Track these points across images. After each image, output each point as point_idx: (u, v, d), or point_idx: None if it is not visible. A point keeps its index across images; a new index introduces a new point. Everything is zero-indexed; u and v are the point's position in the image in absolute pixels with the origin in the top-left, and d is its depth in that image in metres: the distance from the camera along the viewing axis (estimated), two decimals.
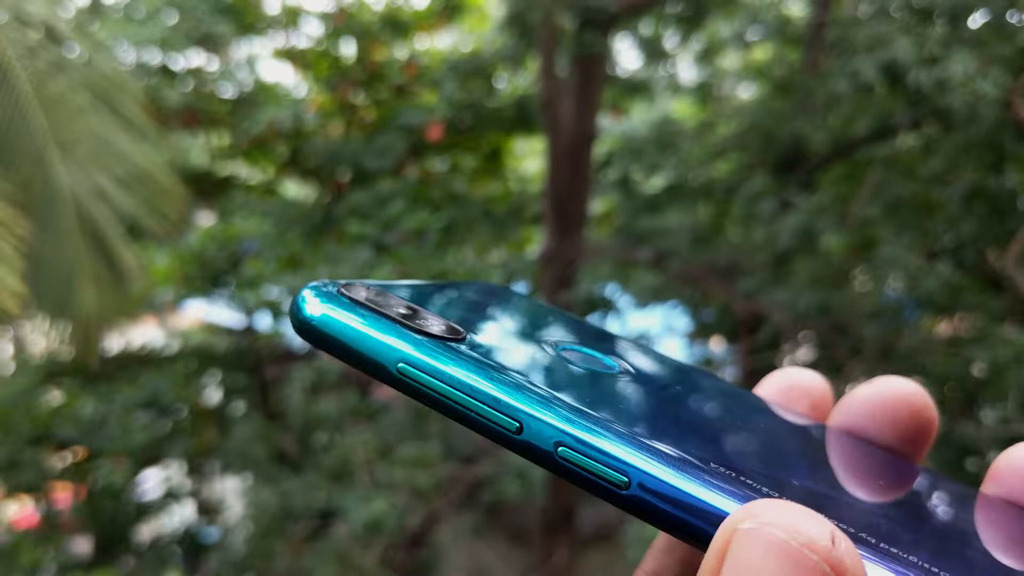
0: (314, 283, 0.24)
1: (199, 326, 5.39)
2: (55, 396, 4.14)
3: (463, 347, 0.23)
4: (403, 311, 0.24)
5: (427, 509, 3.40)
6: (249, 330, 4.49)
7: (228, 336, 4.81)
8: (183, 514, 4.45)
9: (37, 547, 3.59)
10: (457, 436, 3.64)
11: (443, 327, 0.24)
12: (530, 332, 0.31)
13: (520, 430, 0.21)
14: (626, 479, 0.20)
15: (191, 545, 4.25)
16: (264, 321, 4.28)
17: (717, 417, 0.30)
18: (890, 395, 0.29)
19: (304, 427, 3.46)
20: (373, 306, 0.24)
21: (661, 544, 0.30)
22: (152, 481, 4.34)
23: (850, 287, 3.29)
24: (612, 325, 3.82)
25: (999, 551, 0.23)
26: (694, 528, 0.20)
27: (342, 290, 0.24)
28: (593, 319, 3.78)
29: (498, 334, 0.29)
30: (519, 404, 0.22)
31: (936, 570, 0.19)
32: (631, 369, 0.30)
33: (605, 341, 0.33)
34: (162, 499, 4.22)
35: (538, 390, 0.22)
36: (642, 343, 0.35)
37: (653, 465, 0.20)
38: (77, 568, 3.68)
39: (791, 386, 0.32)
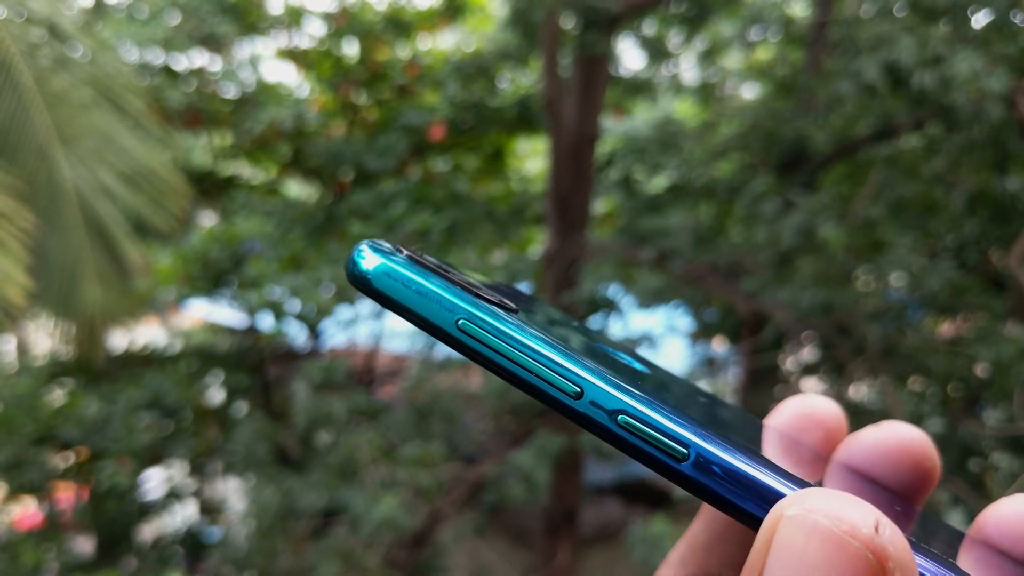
0: (369, 240, 0.25)
1: (201, 326, 5.40)
2: (58, 396, 4.15)
3: (519, 317, 0.24)
4: (459, 277, 0.24)
5: (430, 509, 3.39)
6: (251, 330, 4.50)
7: (230, 336, 4.81)
8: (185, 514, 4.45)
9: (39, 547, 3.59)
10: (460, 436, 3.64)
11: (496, 298, 0.24)
12: (569, 326, 0.32)
13: (580, 395, 0.22)
14: (685, 451, 0.21)
15: (193, 545, 4.25)
16: (266, 321, 4.28)
17: (745, 426, 0.31)
18: (894, 442, 0.30)
19: (308, 426, 3.46)
20: (431, 267, 0.24)
21: (676, 557, 0.31)
22: (154, 481, 4.35)
23: (853, 287, 3.29)
24: (615, 326, 3.83)
25: None
26: (744, 506, 0.20)
27: (400, 248, 0.25)
28: (596, 320, 3.79)
29: (543, 318, 0.29)
30: (581, 370, 0.22)
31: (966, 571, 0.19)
32: (658, 375, 0.30)
33: (627, 349, 0.33)
34: (164, 499, 4.22)
35: (598, 362, 0.22)
36: (659, 364, 0.36)
37: (711, 442, 0.21)
38: (79, 568, 3.68)
39: (806, 415, 0.32)
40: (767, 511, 0.19)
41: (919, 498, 0.30)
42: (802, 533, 0.17)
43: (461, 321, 0.22)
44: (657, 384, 0.28)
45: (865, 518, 0.17)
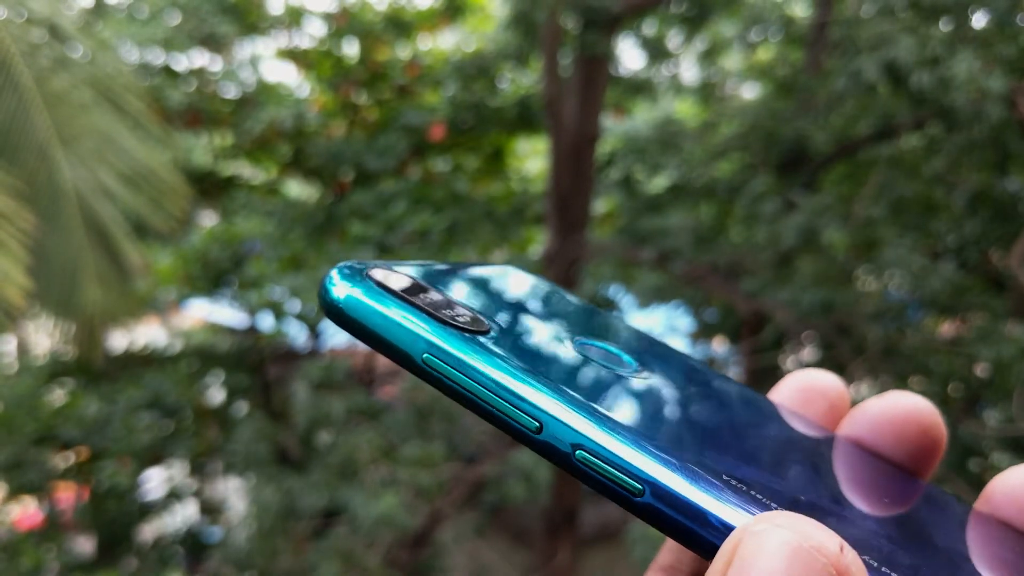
0: (343, 264, 0.24)
1: (202, 326, 5.40)
2: (58, 396, 4.15)
3: (488, 341, 0.23)
4: (430, 299, 0.24)
5: (430, 509, 3.39)
6: (252, 330, 4.50)
7: (231, 336, 4.81)
8: (185, 514, 4.45)
9: (39, 547, 3.59)
10: (460, 436, 3.64)
11: (468, 318, 0.24)
12: (552, 324, 0.31)
13: (540, 430, 0.22)
14: (641, 487, 0.21)
15: (193, 545, 4.25)
16: (266, 321, 4.28)
17: (731, 423, 0.30)
18: (899, 411, 0.29)
19: (308, 426, 3.46)
20: (401, 293, 0.24)
21: (674, 543, 0.30)
22: (155, 481, 4.35)
23: (853, 287, 3.29)
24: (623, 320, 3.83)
25: (987, 570, 0.23)
26: (704, 539, 0.20)
27: (370, 273, 0.24)
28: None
29: (521, 326, 0.29)
30: (541, 404, 0.22)
31: None
32: (648, 367, 0.30)
33: (623, 335, 0.33)
34: (165, 499, 4.22)
35: (560, 390, 0.22)
36: (657, 338, 0.35)
37: (668, 475, 0.21)
38: (79, 568, 3.68)
39: (809, 387, 0.32)
40: (721, 544, 0.19)
41: (926, 470, 0.30)
42: (768, 547, 0.17)
43: (425, 355, 0.22)
44: (635, 388, 0.27)
45: (831, 539, 0.17)
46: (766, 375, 3.83)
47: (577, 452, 0.21)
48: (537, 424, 0.21)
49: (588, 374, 0.26)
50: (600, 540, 4.71)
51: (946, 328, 3.68)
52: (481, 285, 0.31)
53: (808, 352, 3.88)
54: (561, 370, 0.25)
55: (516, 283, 0.35)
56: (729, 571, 0.17)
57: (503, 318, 0.27)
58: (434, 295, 0.25)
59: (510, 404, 0.22)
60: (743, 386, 0.34)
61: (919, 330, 3.36)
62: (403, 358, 0.23)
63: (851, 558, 0.17)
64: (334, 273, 0.24)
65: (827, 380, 0.32)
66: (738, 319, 3.95)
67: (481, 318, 0.25)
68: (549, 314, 0.33)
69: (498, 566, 4.25)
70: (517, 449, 3.30)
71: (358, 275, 0.24)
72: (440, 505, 3.40)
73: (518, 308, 0.32)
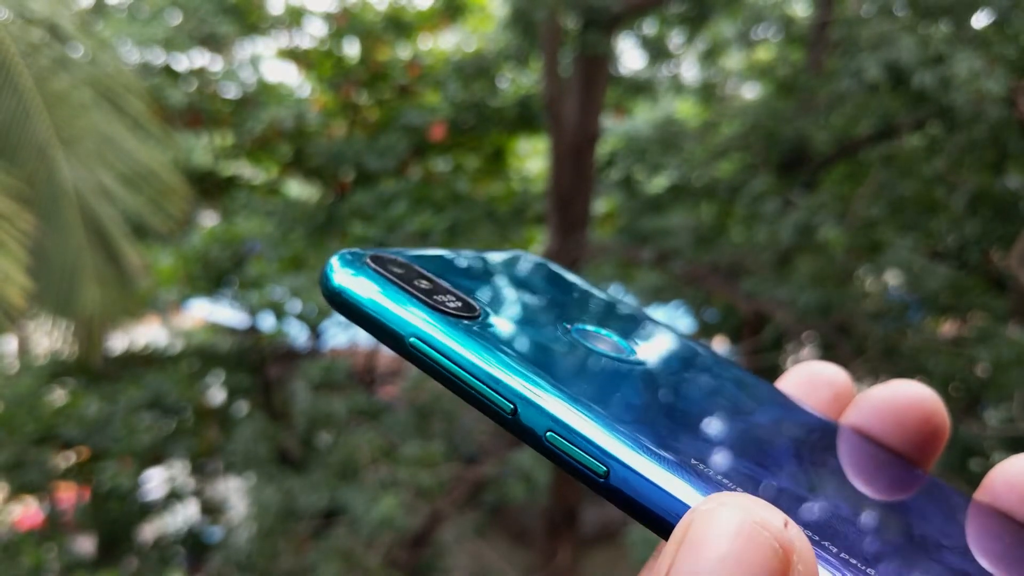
0: (344, 251, 0.25)
1: (202, 326, 5.40)
2: (59, 396, 4.15)
3: (475, 326, 0.24)
4: (425, 285, 0.25)
5: (430, 509, 3.39)
6: (252, 330, 4.50)
7: (231, 336, 4.81)
8: (186, 514, 4.45)
9: (40, 547, 3.59)
10: (460, 436, 3.64)
11: (459, 304, 0.25)
12: (549, 310, 0.32)
13: (515, 412, 0.22)
14: (605, 468, 0.21)
15: (194, 545, 4.25)
16: (267, 321, 4.28)
17: (720, 409, 0.30)
18: (902, 399, 0.29)
19: (308, 426, 3.46)
20: (396, 279, 0.25)
21: None
22: (155, 481, 4.35)
23: (854, 287, 3.29)
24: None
25: (984, 560, 0.23)
26: (664, 521, 0.20)
27: (368, 260, 0.25)
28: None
29: (514, 312, 0.29)
30: (516, 387, 0.22)
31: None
32: (645, 352, 0.30)
33: (625, 320, 0.33)
34: (165, 499, 4.22)
35: (536, 374, 0.23)
36: (662, 322, 0.35)
37: (631, 457, 0.21)
38: (80, 568, 3.68)
39: (814, 377, 0.32)
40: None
41: (928, 460, 0.30)
42: (713, 524, 0.17)
43: (411, 339, 0.23)
44: (621, 373, 0.28)
45: (776, 516, 0.18)
46: (767, 375, 3.82)
47: (547, 434, 0.22)
48: (512, 406, 0.22)
49: (572, 359, 0.27)
50: (600, 540, 4.71)
51: (946, 328, 3.68)
52: (482, 272, 0.32)
53: (808, 352, 3.88)
54: (544, 355, 0.26)
55: (522, 269, 0.35)
56: (679, 550, 0.18)
57: (497, 304, 0.28)
58: (429, 281, 0.26)
59: (488, 387, 0.22)
60: (747, 372, 0.34)
61: (919, 330, 3.36)
62: (394, 341, 0.24)
63: (795, 533, 0.17)
64: (334, 260, 0.25)
65: (832, 370, 0.32)
66: (738, 319, 3.96)
67: (473, 303, 0.26)
68: (549, 300, 0.33)
69: (499, 566, 4.25)
70: (517, 449, 3.30)
71: (357, 262, 0.25)
72: (440, 505, 3.40)
73: (516, 295, 0.32)
